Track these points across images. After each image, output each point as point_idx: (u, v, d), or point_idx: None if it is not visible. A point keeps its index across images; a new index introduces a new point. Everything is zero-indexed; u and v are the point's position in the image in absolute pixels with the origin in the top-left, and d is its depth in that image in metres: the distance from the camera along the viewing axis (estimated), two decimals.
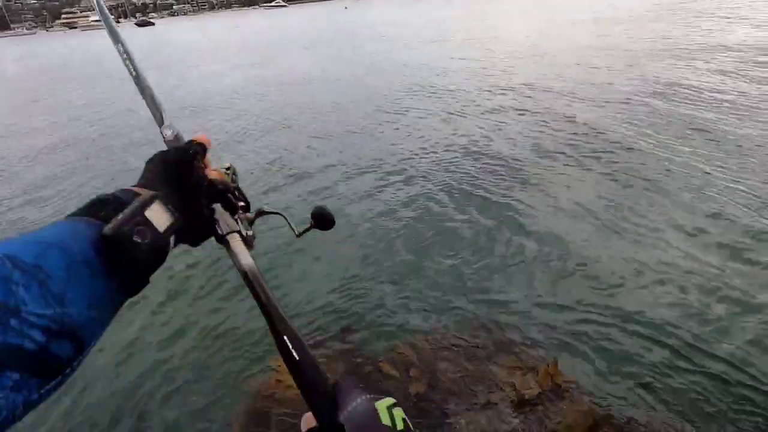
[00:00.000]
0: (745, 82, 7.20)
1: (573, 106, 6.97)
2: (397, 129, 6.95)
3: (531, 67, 10.21)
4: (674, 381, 2.36)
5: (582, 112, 6.60)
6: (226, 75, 14.45)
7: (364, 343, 2.83)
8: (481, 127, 6.49)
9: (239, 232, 0.58)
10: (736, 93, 6.68)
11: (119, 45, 0.64)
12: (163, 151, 0.56)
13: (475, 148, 5.72)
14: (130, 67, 0.63)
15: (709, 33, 11.70)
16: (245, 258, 0.55)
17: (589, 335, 2.70)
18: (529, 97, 7.81)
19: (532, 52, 12.10)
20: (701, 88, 7.06)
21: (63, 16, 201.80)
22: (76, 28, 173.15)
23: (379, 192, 4.87)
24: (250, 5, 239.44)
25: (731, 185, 4.11)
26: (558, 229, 3.77)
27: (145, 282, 0.44)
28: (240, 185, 0.63)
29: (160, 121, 0.61)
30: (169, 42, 37.80)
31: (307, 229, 0.65)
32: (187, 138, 0.60)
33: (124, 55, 0.63)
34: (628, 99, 6.99)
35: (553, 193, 4.39)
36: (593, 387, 2.37)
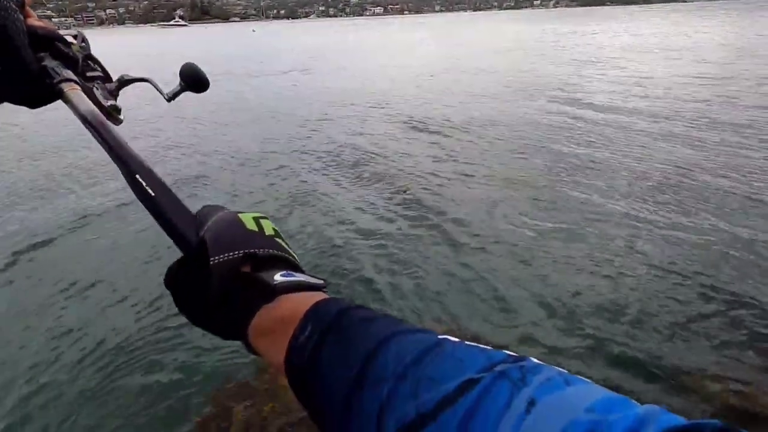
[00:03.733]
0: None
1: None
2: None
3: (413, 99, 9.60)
4: None
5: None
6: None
7: None
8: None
9: (75, 81, 0.51)
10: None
11: None
12: None
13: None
14: None
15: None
16: (83, 104, 0.49)
17: None
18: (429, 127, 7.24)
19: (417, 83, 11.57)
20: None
21: None
22: None
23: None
24: (146, 22, 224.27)
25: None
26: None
27: None
28: None
29: None
30: None
31: (178, 93, 0.61)
32: None
33: None
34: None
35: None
36: None
